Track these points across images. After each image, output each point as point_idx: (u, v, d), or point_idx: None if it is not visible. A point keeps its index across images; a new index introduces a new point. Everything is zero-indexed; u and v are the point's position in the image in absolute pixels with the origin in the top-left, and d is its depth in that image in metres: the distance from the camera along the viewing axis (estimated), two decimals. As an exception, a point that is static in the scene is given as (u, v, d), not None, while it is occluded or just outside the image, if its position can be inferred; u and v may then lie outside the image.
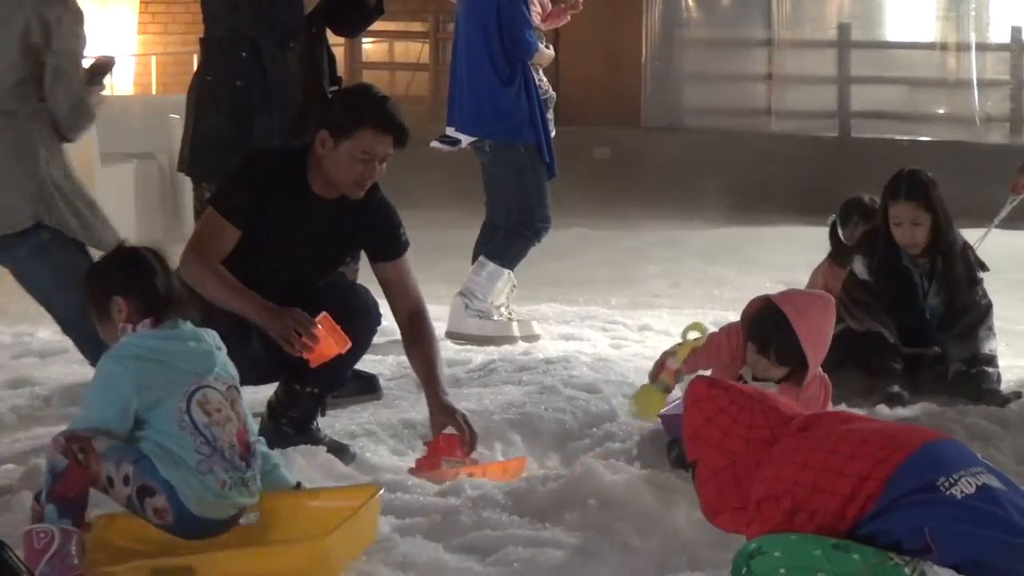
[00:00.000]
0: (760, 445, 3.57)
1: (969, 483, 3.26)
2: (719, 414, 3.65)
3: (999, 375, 6.27)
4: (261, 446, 4.38)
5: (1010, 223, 7.45)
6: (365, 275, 5.92)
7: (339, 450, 5.15)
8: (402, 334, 5.40)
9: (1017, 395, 6.12)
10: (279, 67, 6.14)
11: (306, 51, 6.24)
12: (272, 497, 4.30)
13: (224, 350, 4.24)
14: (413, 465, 5.04)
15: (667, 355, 5.01)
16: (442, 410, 5.10)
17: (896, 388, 6.07)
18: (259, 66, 6.12)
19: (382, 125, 5.02)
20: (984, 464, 3.41)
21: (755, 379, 4.84)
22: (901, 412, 5.84)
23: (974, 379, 6.18)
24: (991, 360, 6.30)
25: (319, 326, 4.81)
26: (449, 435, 5.03)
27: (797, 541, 3.26)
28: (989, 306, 6.42)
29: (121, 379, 4.00)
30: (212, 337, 4.22)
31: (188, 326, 4.17)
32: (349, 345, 4.89)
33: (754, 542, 3.28)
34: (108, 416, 3.98)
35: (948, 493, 3.24)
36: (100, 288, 4.19)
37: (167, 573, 3.89)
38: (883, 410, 5.84)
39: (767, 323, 4.79)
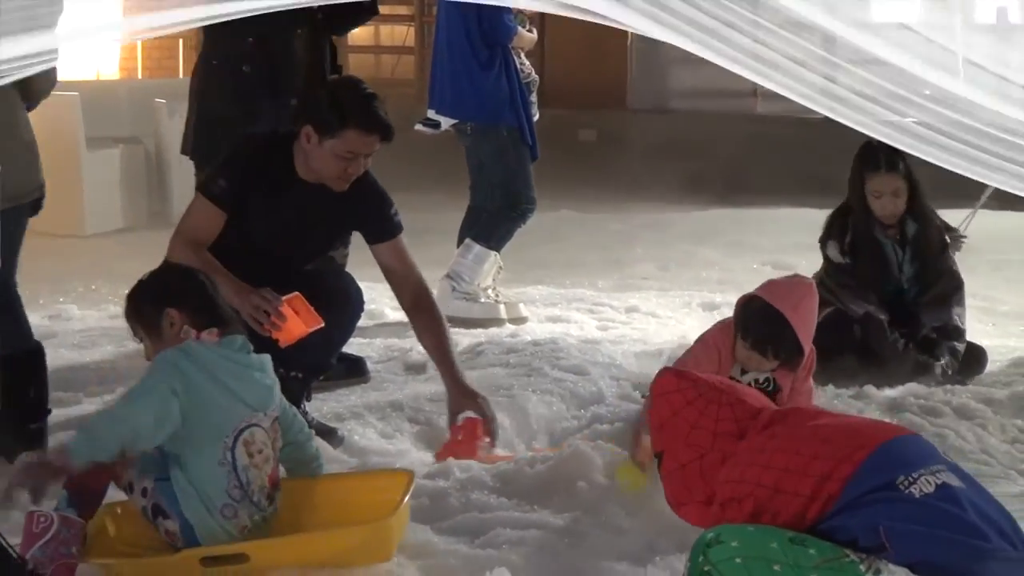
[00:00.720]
0: (727, 439, 3.57)
1: (928, 482, 3.26)
2: (686, 407, 3.65)
3: (962, 352, 6.31)
4: (312, 442, 4.36)
5: (995, 203, 7.46)
6: (355, 264, 5.93)
7: (327, 433, 5.15)
8: (409, 319, 5.38)
9: (961, 382, 6.14)
10: (286, 54, 6.14)
11: (311, 38, 6.23)
12: (302, 482, 4.29)
13: (277, 382, 4.19)
14: (439, 450, 5.03)
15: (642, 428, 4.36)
16: (464, 393, 5.12)
17: (924, 357, 6.15)
18: (266, 52, 6.11)
19: (367, 126, 5.00)
20: (946, 461, 3.40)
21: (743, 372, 4.85)
22: (889, 393, 5.85)
23: (940, 348, 6.22)
24: (960, 334, 6.34)
25: (286, 305, 4.77)
26: (473, 419, 5.04)
27: (755, 532, 3.27)
28: (962, 281, 6.46)
29: (167, 391, 3.85)
30: (269, 367, 4.16)
31: (254, 353, 4.09)
32: (320, 324, 4.83)
33: (712, 531, 3.28)
34: (141, 424, 3.82)
35: (907, 492, 3.24)
36: (151, 301, 4.08)
37: (219, 560, 3.87)
38: (871, 390, 5.85)
39: (764, 322, 4.74)
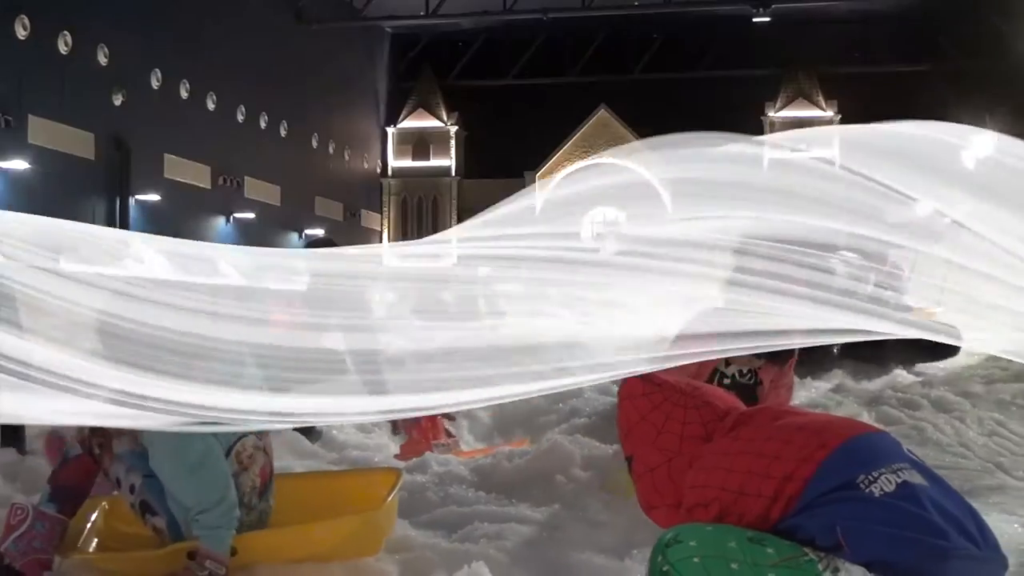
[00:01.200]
0: (694, 442, 3.58)
1: (889, 480, 3.25)
2: (653, 411, 3.65)
3: None
4: None
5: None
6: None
7: (306, 428, 5.14)
8: None
9: None
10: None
11: None
12: (294, 480, 4.28)
13: None
14: (398, 452, 5.02)
15: None
16: None
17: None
18: None
19: None
20: (910, 459, 3.39)
21: (728, 364, 4.85)
22: (867, 386, 5.87)
23: None
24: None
25: None
26: (432, 418, 5.03)
27: (713, 531, 3.27)
28: None
29: (210, 444, 3.83)
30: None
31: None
32: None
33: (671, 532, 3.28)
34: (225, 473, 3.83)
35: (867, 491, 3.23)
36: None
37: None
38: (849, 384, 5.87)
39: None
